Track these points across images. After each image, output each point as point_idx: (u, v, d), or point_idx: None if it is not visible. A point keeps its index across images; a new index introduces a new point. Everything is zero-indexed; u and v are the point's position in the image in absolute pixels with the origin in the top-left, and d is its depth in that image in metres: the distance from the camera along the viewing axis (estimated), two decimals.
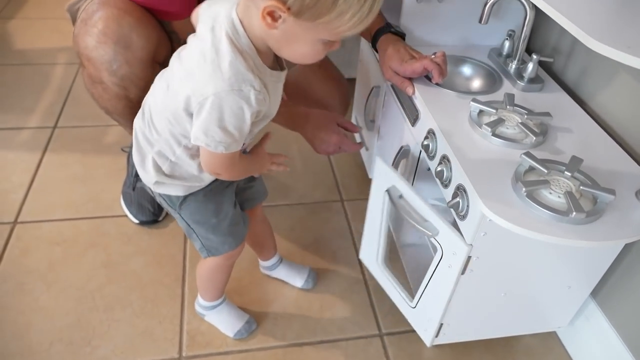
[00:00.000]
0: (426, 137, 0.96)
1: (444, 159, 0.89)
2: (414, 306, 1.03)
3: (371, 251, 1.10)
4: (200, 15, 0.74)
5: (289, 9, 0.62)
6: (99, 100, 1.07)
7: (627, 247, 0.91)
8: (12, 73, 1.87)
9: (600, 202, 0.76)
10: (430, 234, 0.88)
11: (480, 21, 1.00)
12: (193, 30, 0.86)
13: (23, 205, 1.35)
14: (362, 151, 1.46)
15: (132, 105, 1.06)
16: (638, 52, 0.64)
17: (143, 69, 1.00)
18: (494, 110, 0.92)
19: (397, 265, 1.17)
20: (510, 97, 0.95)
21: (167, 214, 1.34)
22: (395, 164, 1.11)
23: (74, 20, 1.15)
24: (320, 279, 1.22)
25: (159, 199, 0.91)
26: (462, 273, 0.86)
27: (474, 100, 0.93)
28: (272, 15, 0.63)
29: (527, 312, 1.01)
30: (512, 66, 1.06)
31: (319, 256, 1.28)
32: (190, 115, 0.74)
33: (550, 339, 1.12)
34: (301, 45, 0.68)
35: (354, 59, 1.76)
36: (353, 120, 1.52)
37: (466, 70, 1.11)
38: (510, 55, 1.10)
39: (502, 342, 1.10)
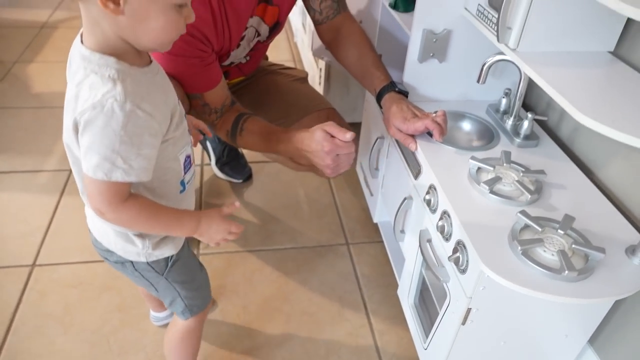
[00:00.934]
0: (427, 192, 1.02)
1: (445, 214, 0.95)
2: (425, 347, 1.07)
3: (404, 288, 1.18)
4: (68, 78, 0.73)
5: None
6: None
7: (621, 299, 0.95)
8: (30, 116, 1.96)
9: (591, 260, 0.81)
10: (442, 279, 0.94)
11: (478, 81, 1.07)
12: (221, 100, 0.92)
13: (41, 248, 1.40)
14: (367, 196, 1.51)
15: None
16: (620, 127, 0.70)
17: None
18: (492, 168, 0.98)
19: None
20: (507, 155, 1.01)
21: None
22: (398, 214, 1.16)
23: None
24: (326, 322, 1.26)
25: (135, 275, 0.88)
26: (463, 324, 0.91)
27: (473, 157, 0.99)
28: None
29: None
30: (509, 123, 1.12)
31: (325, 300, 1.32)
32: None
33: None
34: (154, 19, 0.66)
35: (359, 104, 1.84)
36: (358, 167, 1.58)
37: (465, 125, 1.18)
38: (507, 112, 1.16)
39: None
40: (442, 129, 1.05)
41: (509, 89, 1.17)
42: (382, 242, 1.46)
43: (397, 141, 1.18)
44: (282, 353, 1.19)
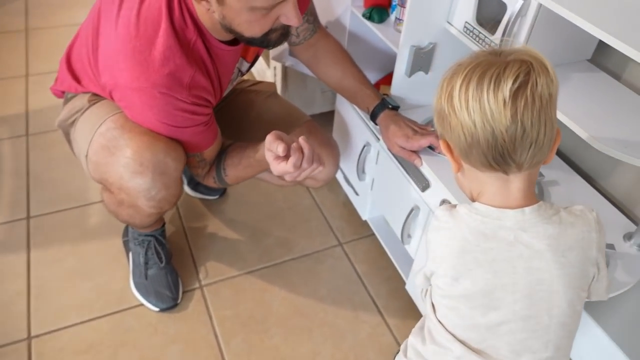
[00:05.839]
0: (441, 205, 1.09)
1: None
2: None
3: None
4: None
5: None
6: (126, 219, 1.09)
7: None
8: None
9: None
10: None
11: None
12: (216, 153, 1.04)
13: (30, 316, 1.30)
14: (352, 195, 1.56)
15: (160, 216, 1.09)
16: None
17: (177, 186, 1.03)
18: None
19: None
20: None
21: (184, 294, 1.37)
22: (406, 223, 1.23)
23: (66, 135, 1.13)
24: (346, 329, 1.33)
25: None
26: None
27: None
28: None
29: None
30: None
31: (338, 307, 1.38)
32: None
33: None
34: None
35: (317, 96, 1.84)
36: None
37: None
38: None
39: None
40: None
41: None
42: (369, 236, 1.55)
43: (395, 156, 1.22)
44: None
